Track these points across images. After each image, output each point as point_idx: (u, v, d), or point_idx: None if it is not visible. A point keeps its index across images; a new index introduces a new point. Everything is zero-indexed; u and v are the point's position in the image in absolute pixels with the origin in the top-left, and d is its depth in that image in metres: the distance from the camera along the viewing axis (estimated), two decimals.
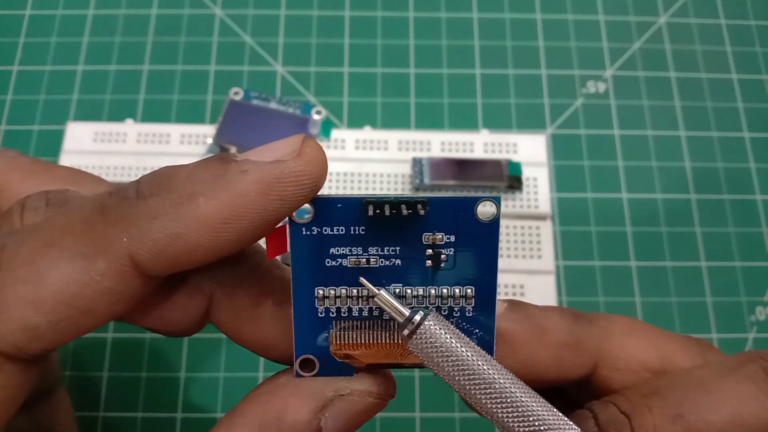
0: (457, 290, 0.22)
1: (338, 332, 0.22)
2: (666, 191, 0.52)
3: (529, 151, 0.51)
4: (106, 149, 0.50)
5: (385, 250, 0.22)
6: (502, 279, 0.47)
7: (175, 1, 0.58)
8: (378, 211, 0.21)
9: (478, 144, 0.51)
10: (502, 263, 0.48)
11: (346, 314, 0.23)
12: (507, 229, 0.49)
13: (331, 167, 0.50)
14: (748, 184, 0.53)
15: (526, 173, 0.50)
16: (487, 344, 0.23)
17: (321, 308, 0.22)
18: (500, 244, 0.47)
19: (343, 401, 0.23)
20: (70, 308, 0.20)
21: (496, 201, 0.21)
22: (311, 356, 0.23)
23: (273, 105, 0.51)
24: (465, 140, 0.51)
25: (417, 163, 0.49)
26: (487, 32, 0.58)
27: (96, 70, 0.55)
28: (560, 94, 0.56)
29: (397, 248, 0.22)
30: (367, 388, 0.23)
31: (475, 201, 0.21)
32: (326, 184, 0.49)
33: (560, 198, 0.52)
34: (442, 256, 0.22)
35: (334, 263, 0.22)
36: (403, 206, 0.21)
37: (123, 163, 0.50)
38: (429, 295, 0.22)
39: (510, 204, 0.49)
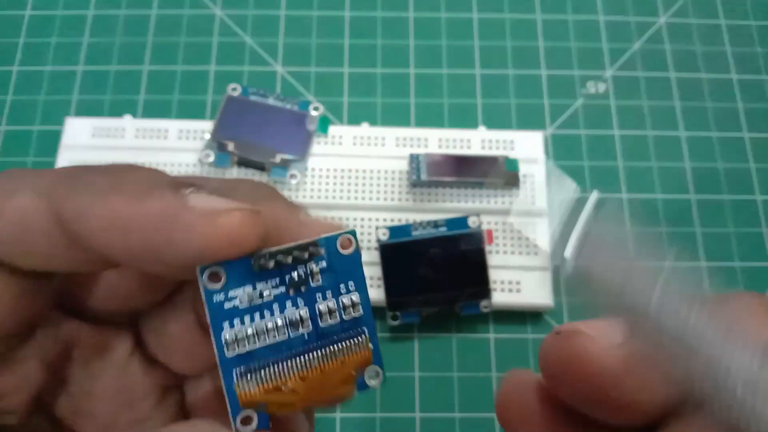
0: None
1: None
2: (666, 191, 0.52)
3: (527, 147, 0.51)
4: (105, 144, 0.50)
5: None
6: (499, 275, 0.47)
7: (175, 1, 0.58)
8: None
9: (476, 141, 0.51)
10: (499, 259, 0.48)
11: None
12: (504, 226, 0.48)
13: (329, 164, 0.50)
14: (748, 184, 0.53)
15: (523, 170, 0.50)
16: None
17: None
18: (496, 240, 0.48)
19: None
20: (18, 230, 0.20)
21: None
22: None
23: (271, 101, 0.51)
24: (462, 137, 0.51)
25: (414, 159, 0.49)
26: (487, 32, 0.58)
27: (96, 71, 0.56)
28: (560, 94, 0.56)
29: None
30: None
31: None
32: (325, 180, 0.49)
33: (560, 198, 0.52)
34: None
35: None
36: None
37: (121, 158, 0.49)
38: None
39: (507, 201, 0.49)
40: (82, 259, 0.21)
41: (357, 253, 0.21)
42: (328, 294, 0.21)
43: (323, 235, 0.21)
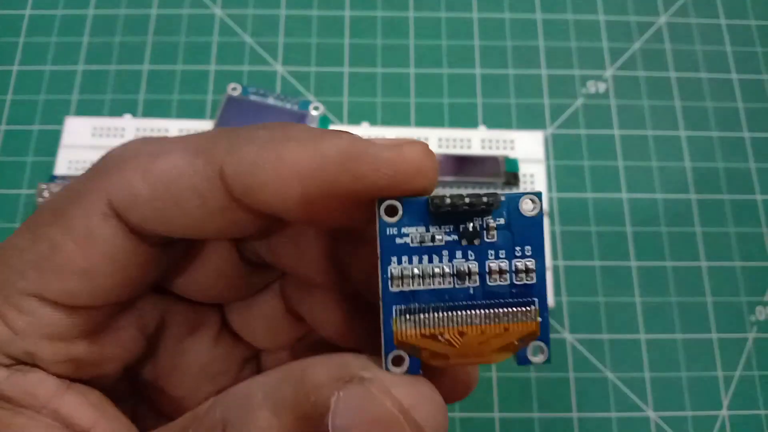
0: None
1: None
2: (666, 191, 0.52)
3: (527, 147, 0.51)
4: (105, 144, 0.50)
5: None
6: None
7: (175, 1, 0.58)
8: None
9: (476, 140, 0.51)
10: None
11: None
12: None
13: None
14: (748, 184, 0.53)
15: (524, 170, 0.50)
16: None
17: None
18: None
19: (362, 388, 0.19)
20: (166, 191, 0.21)
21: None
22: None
23: (271, 101, 0.51)
24: (462, 137, 0.51)
25: None
26: (487, 32, 0.58)
27: (96, 70, 0.55)
28: (560, 94, 0.56)
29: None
30: (392, 386, 0.19)
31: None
32: None
33: (560, 198, 0.52)
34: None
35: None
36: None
37: None
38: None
39: None
40: (237, 220, 0.21)
41: (540, 216, 0.21)
42: (502, 253, 0.21)
43: (507, 192, 0.21)
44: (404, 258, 0.20)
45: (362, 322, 0.25)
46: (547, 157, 0.53)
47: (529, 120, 0.54)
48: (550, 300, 0.47)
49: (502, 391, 0.47)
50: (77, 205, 0.21)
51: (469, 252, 0.21)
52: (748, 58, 0.57)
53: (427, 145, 0.20)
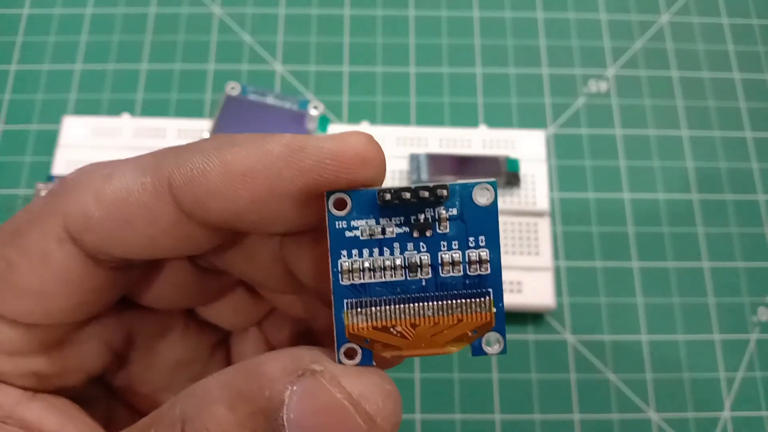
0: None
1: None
2: (668, 191, 0.52)
3: (528, 147, 0.50)
4: (103, 144, 0.50)
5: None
6: None
7: (173, 0, 0.58)
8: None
9: (477, 140, 0.50)
10: None
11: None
12: (504, 226, 0.48)
13: None
14: (750, 184, 0.53)
15: (525, 170, 0.49)
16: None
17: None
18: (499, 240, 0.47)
19: (313, 381, 0.19)
20: (118, 211, 0.21)
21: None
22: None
23: (270, 100, 0.51)
24: (463, 136, 0.50)
25: (414, 159, 0.49)
26: (488, 31, 0.57)
27: (94, 69, 0.55)
28: (561, 93, 0.55)
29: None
30: (342, 377, 0.19)
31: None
32: None
33: (562, 198, 0.51)
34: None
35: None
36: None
37: (119, 157, 0.49)
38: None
39: (508, 200, 0.49)
40: (189, 236, 0.22)
41: (494, 206, 0.21)
42: (455, 244, 0.21)
43: (460, 182, 0.21)
44: (354, 251, 0.21)
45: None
46: (549, 157, 0.52)
47: (530, 119, 0.54)
48: (551, 301, 0.47)
49: (503, 393, 0.46)
50: (34, 227, 0.22)
51: (421, 244, 0.21)
52: (750, 57, 0.57)
53: (371, 136, 0.21)
